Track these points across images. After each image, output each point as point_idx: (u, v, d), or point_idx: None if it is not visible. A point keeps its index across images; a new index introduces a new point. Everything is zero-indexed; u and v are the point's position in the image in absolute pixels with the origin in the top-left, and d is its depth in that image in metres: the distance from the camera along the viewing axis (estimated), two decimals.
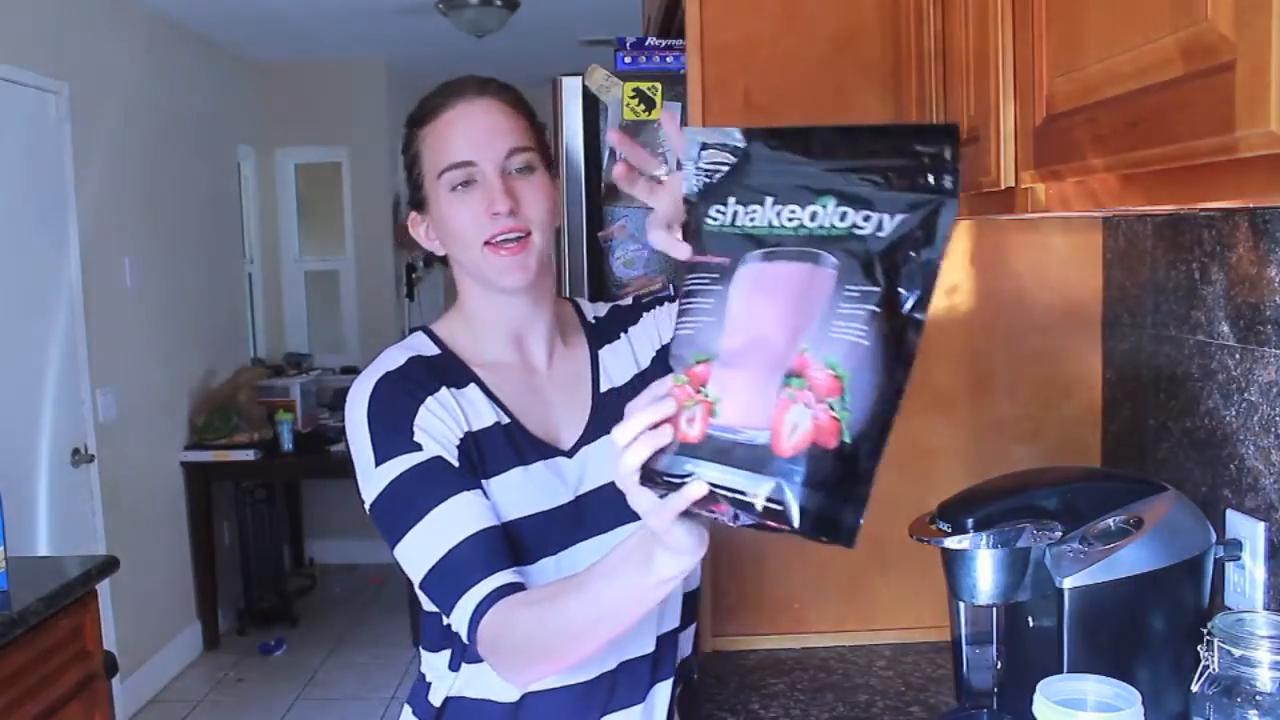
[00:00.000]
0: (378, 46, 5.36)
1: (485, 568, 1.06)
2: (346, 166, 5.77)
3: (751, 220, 0.82)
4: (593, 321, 1.32)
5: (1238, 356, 1.30)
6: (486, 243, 1.14)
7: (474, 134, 1.15)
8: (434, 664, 1.22)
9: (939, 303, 1.71)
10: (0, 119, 3.33)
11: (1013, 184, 1.10)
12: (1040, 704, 1.07)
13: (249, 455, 4.56)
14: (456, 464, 1.11)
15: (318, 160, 5.82)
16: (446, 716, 1.21)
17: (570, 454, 1.20)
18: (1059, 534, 1.25)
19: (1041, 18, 1.00)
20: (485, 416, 1.16)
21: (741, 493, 0.76)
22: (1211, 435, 1.36)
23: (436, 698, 1.21)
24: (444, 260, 1.24)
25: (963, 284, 1.70)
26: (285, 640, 4.67)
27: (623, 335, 1.29)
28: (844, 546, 0.74)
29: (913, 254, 0.78)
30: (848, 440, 0.74)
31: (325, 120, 5.69)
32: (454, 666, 1.20)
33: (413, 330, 1.27)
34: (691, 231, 0.85)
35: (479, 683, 1.18)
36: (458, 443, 1.13)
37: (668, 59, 2.18)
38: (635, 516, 1.04)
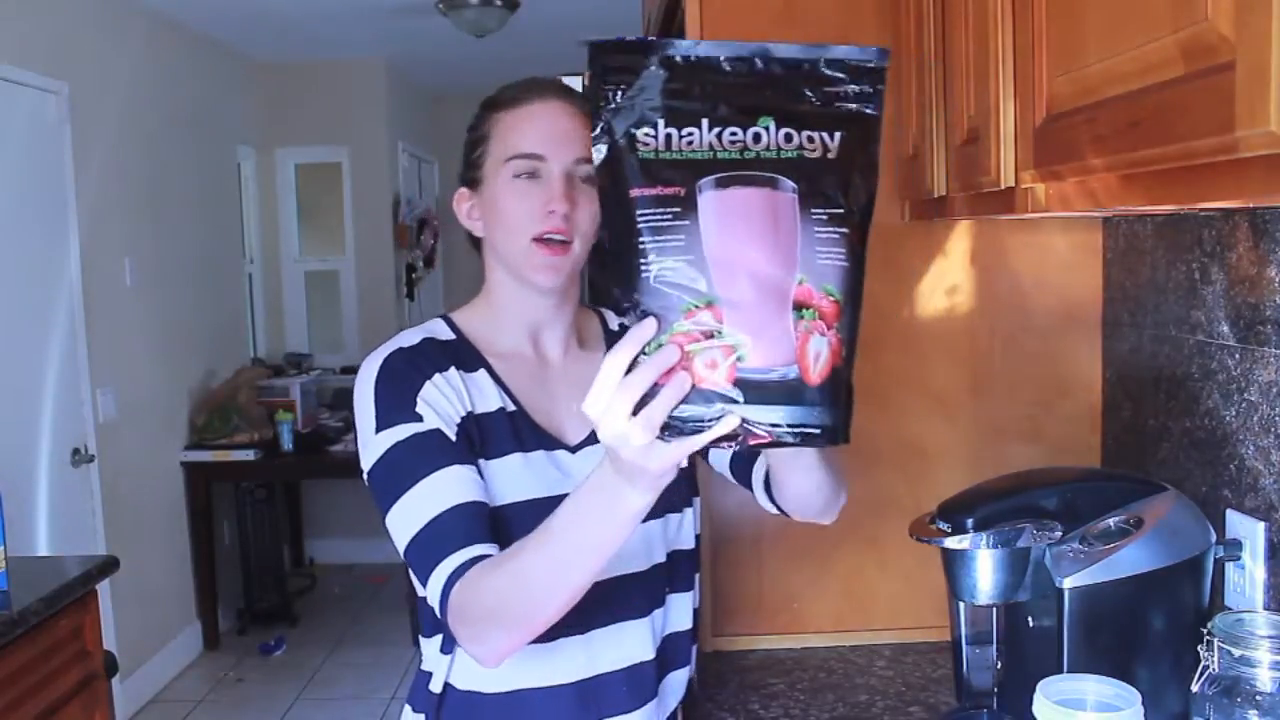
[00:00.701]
0: (378, 46, 5.36)
1: (463, 539, 1.06)
2: (346, 166, 5.77)
3: (690, 144, 0.80)
4: (615, 329, 1.34)
5: (1238, 356, 1.29)
6: (535, 238, 1.17)
7: (551, 132, 1.18)
8: (429, 651, 1.24)
9: (939, 303, 1.71)
10: (0, 119, 3.33)
11: (1013, 184, 1.10)
12: (1040, 704, 1.07)
13: (249, 455, 4.56)
14: (454, 440, 1.13)
15: (318, 160, 5.81)
16: (446, 705, 1.21)
17: (574, 450, 1.21)
18: (1059, 534, 1.25)
19: (1041, 18, 1.00)
20: (491, 401, 1.19)
21: (784, 425, 0.80)
22: (1211, 435, 1.36)
23: (436, 685, 1.22)
24: (475, 244, 1.27)
25: (963, 284, 1.70)
26: (285, 640, 4.67)
27: None
28: (845, 444, 0.84)
29: (858, 171, 0.82)
30: (844, 356, 0.82)
31: (325, 120, 5.69)
32: (445, 649, 1.21)
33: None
34: (624, 162, 0.81)
35: (470, 672, 1.19)
36: (459, 420, 1.15)
37: None
38: None
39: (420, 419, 1.13)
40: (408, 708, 1.27)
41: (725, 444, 0.81)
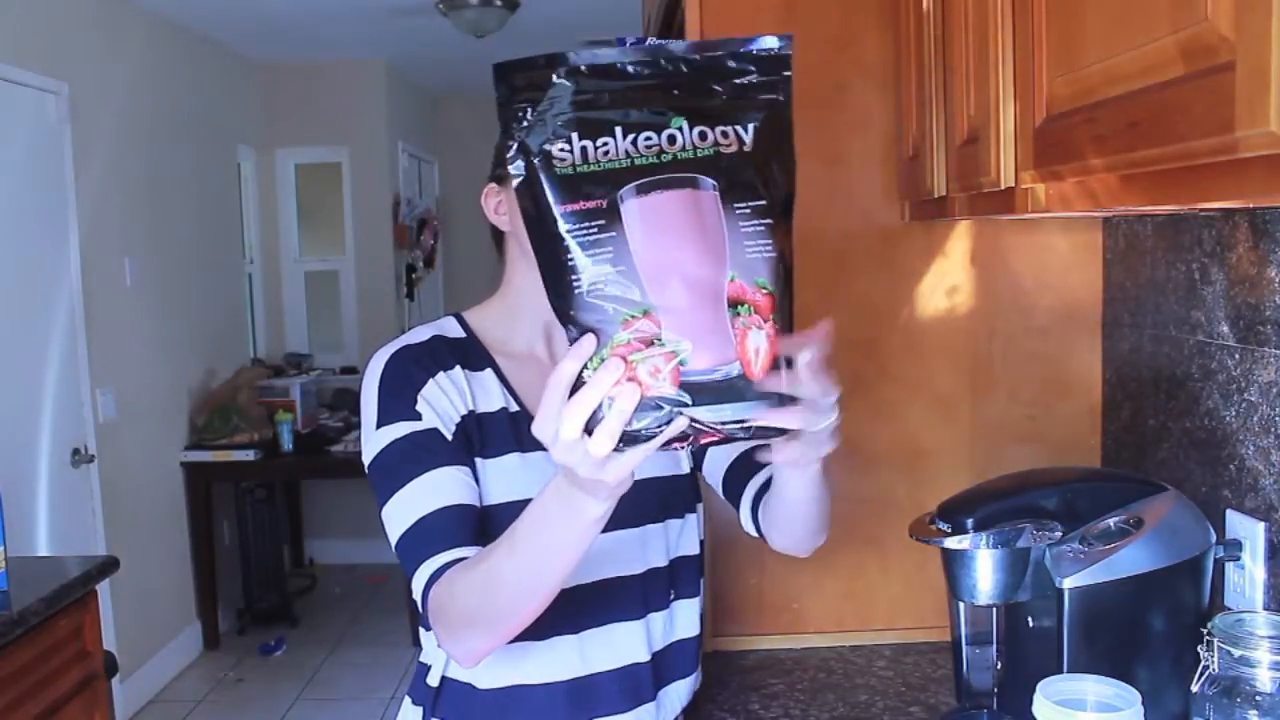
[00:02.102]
0: (378, 46, 5.36)
1: (448, 540, 1.08)
2: (346, 166, 5.77)
3: (606, 154, 0.80)
4: None
5: (1238, 356, 1.30)
6: None
7: None
8: (428, 644, 1.25)
9: (939, 303, 1.71)
10: (0, 119, 3.33)
11: (1013, 184, 1.10)
12: (1040, 704, 1.07)
13: (249, 455, 4.56)
14: (451, 440, 1.14)
15: (318, 160, 5.81)
16: (442, 698, 1.23)
17: None
18: (1059, 534, 1.25)
19: (1041, 18, 1.00)
20: (494, 400, 1.20)
21: (735, 421, 0.81)
22: (1211, 435, 1.36)
23: (434, 678, 1.23)
24: (497, 240, 1.28)
25: (963, 284, 1.70)
26: (285, 640, 4.67)
27: None
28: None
29: (775, 161, 0.83)
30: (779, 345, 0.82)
31: (325, 120, 5.69)
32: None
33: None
34: (542, 181, 0.81)
35: (461, 668, 1.20)
36: (458, 420, 1.16)
37: None
38: (633, 522, 1.03)
39: (419, 417, 1.14)
40: (407, 700, 1.29)
41: (677, 445, 0.81)
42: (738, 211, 0.80)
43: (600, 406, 0.79)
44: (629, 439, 0.80)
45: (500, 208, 1.24)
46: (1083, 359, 1.71)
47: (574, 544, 0.93)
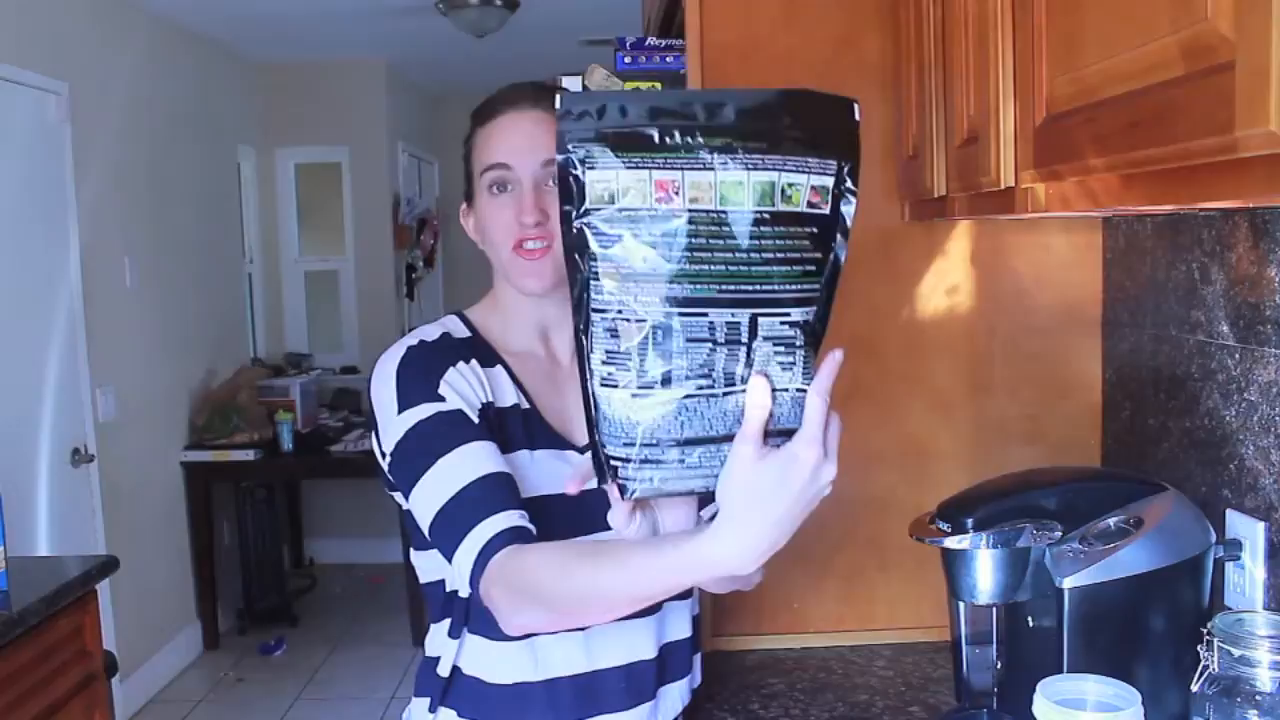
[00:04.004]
0: (378, 46, 5.36)
1: (492, 507, 1.07)
2: (346, 166, 5.77)
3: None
4: None
5: (1238, 356, 1.30)
6: (514, 247, 1.19)
7: (516, 141, 1.19)
8: (437, 635, 1.24)
9: (939, 303, 1.71)
10: (0, 119, 3.33)
11: (1013, 184, 1.10)
12: (1040, 704, 1.07)
13: (249, 455, 4.56)
14: (476, 421, 1.14)
15: (318, 160, 5.81)
16: (453, 690, 1.22)
17: (583, 450, 1.22)
18: (1059, 534, 1.25)
19: (1041, 18, 1.00)
20: (508, 396, 1.21)
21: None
22: (1211, 435, 1.36)
23: (444, 669, 1.22)
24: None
25: (963, 284, 1.70)
26: (285, 640, 4.66)
27: None
28: None
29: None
30: None
31: (325, 120, 5.69)
32: (453, 634, 1.21)
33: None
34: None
35: (474, 660, 1.20)
36: (480, 407, 1.16)
37: (668, 59, 2.18)
38: None
39: (443, 399, 1.14)
40: (415, 699, 1.28)
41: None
42: None
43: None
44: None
45: (473, 225, 1.26)
46: (1083, 359, 1.71)
47: (680, 584, 0.90)
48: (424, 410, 1.13)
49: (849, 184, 0.81)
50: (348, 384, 5.41)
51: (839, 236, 0.83)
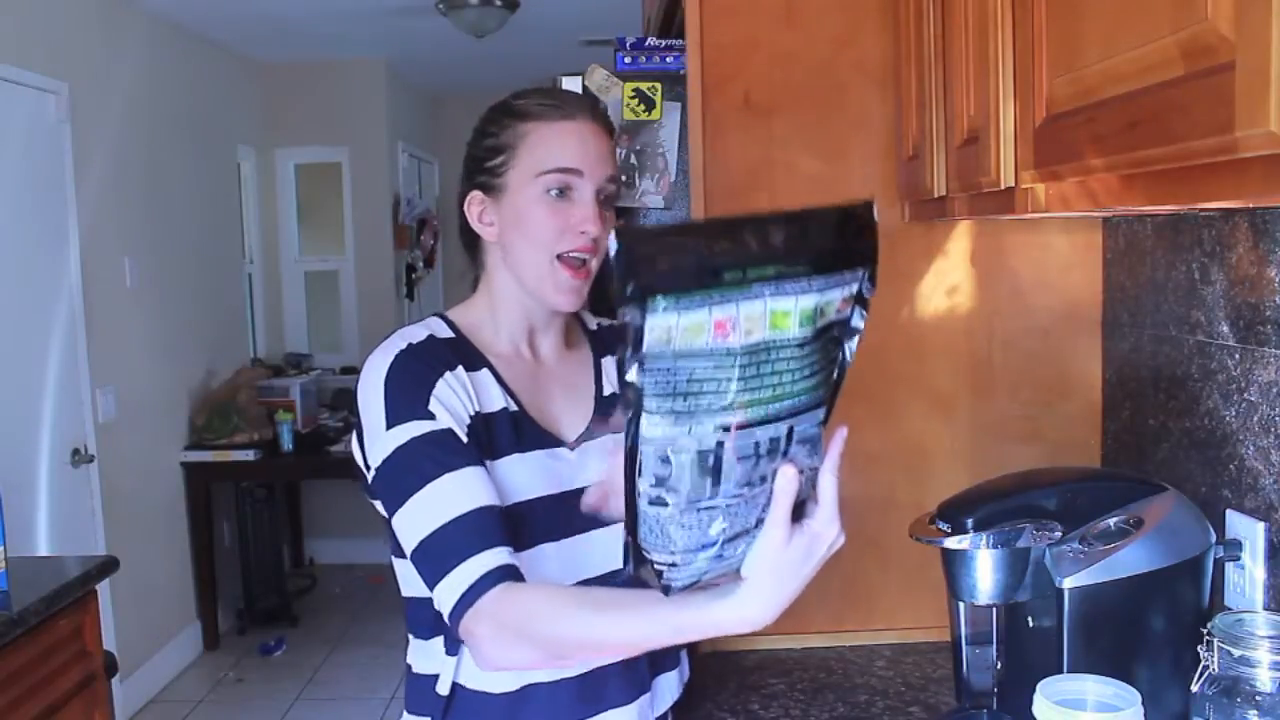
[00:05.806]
0: (378, 46, 5.36)
1: (482, 543, 1.06)
2: (346, 166, 5.77)
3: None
4: (594, 329, 1.37)
5: (1238, 356, 1.30)
6: (560, 255, 1.19)
7: (590, 150, 1.19)
8: (429, 652, 1.22)
9: (939, 303, 1.71)
10: (0, 119, 3.33)
11: (1013, 184, 1.11)
12: (1040, 704, 1.07)
13: (249, 455, 4.56)
14: (465, 441, 1.13)
15: (318, 160, 5.81)
16: (455, 707, 1.20)
17: (572, 447, 1.23)
18: (1059, 534, 1.25)
19: (1041, 18, 1.00)
20: (495, 401, 1.20)
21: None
22: (1211, 435, 1.36)
23: (444, 686, 1.20)
24: (468, 243, 1.28)
25: (963, 284, 1.70)
26: (285, 640, 4.66)
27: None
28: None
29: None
30: None
31: (325, 120, 5.69)
32: (451, 650, 1.19)
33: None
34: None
35: (477, 673, 1.18)
36: (469, 421, 1.15)
37: (668, 59, 2.18)
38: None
39: (433, 417, 1.12)
40: (406, 715, 1.25)
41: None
42: None
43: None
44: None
45: (485, 216, 1.24)
46: (1083, 359, 1.71)
47: (688, 637, 0.94)
48: (413, 429, 1.11)
49: (868, 284, 0.82)
50: (347, 384, 5.39)
51: (854, 337, 0.85)
